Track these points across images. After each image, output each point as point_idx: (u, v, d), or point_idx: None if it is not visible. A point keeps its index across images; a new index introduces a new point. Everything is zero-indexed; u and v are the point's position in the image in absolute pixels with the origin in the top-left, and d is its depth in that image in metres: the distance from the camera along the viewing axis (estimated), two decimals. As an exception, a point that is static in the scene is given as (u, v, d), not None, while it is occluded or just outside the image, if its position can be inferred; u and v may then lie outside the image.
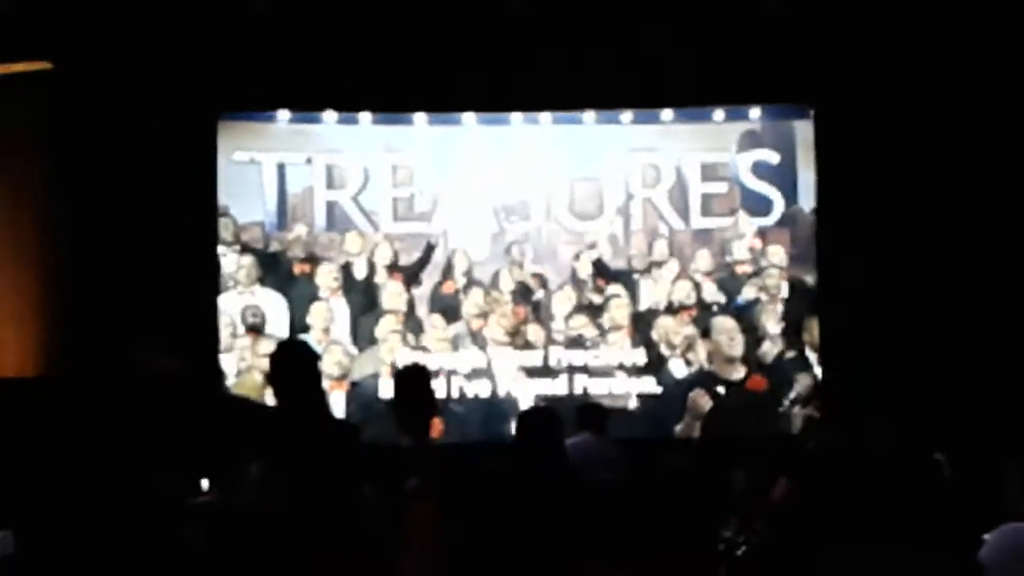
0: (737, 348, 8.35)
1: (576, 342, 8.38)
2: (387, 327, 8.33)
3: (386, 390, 8.02)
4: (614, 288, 8.45)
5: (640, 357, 8.34)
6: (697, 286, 8.45)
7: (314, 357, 4.02)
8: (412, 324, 8.39)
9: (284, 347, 4.11)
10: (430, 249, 8.45)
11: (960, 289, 7.88)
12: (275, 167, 8.35)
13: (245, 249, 8.25)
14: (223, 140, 8.21)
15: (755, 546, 3.72)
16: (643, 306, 8.45)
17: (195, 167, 7.98)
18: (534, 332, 8.41)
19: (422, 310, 8.39)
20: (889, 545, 2.83)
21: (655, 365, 8.35)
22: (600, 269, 8.47)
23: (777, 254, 8.48)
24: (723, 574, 3.52)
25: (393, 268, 8.44)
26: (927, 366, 7.60)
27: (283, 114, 8.35)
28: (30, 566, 2.03)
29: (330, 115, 8.40)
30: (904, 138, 8.05)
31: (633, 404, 8.31)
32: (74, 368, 6.53)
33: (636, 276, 8.48)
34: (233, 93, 8.03)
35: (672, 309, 8.42)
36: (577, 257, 8.50)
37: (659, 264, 8.49)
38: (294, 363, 3.91)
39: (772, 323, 8.40)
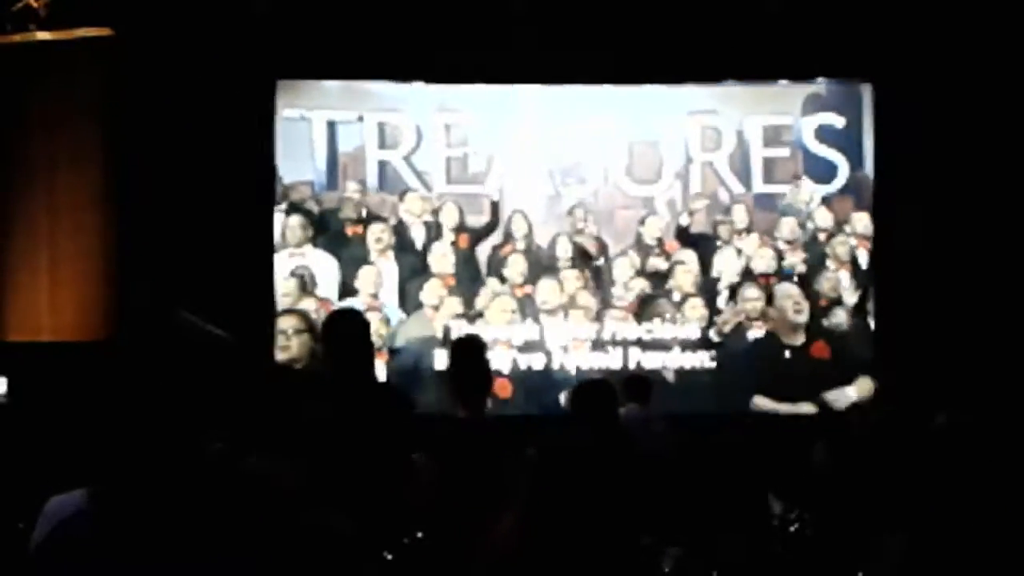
0: (803, 315, 8.24)
1: (635, 312, 8.29)
2: (433, 291, 8.22)
3: (432, 358, 8.04)
4: (681, 254, 8.35)
5: (695, 330, 8.24)
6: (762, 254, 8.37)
7: (365, 325, 4.10)
8: (463, 289, 8.27)
9: (337, 315, 4.19)
10: (495, 210, 8.36)
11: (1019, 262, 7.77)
12: (325, 124, 8.28)
13: (293, 208, 8.19)
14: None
15: (808, 523, 3.75)
16: (713, 273, 8.35)
17: (252, 131, 8.05)
18: (586, 299, 8.29)
19: (480, 274, 8.28)
20: (940, 524, 2.85)
21: (716, 334, 8.26)
22: (680, 234, 8.42)
23: (840, 221, 8.35)
24: (778, 550, 3.56)
25: (460, 230, 8.33)
26: (986, 336, 7.52)
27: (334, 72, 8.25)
28: (100, 522, 2.09)
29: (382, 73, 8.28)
30: (966, 108, 7.87)
31: (688, 376, 8.23)
32: (127, 331, 6.69)
33: (714, 242, 8.36)
34: (288, 60, 8.04)
35: (747, 276, 8.34)
36: (642, 222, 8.42)
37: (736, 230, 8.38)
38: (346, 331, 4.00)
39: (830, 290, 8.31)
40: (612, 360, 8.20)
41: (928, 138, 7.96)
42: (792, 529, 3.75)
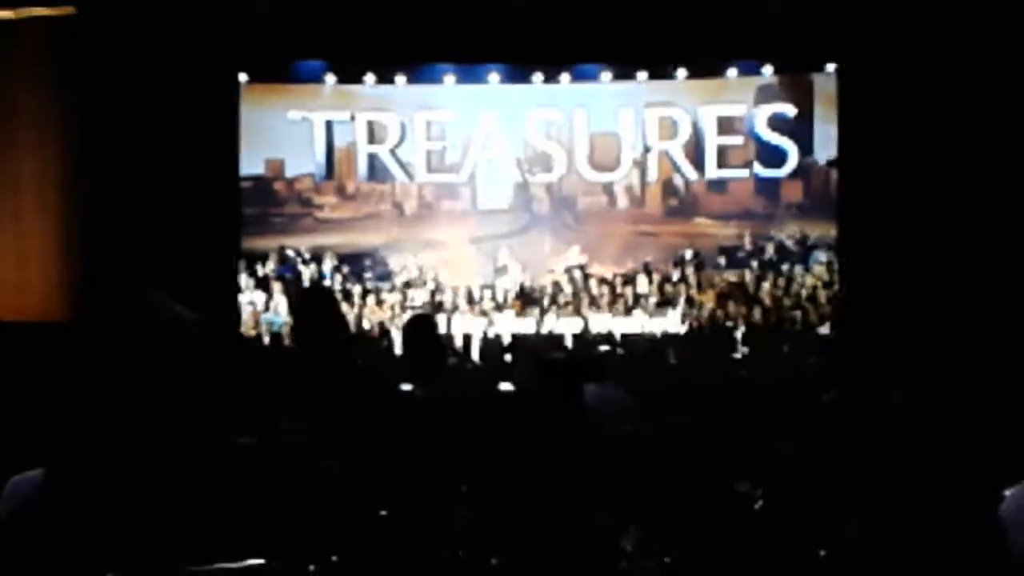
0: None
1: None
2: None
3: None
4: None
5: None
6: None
7: (334, 301, 3.62)
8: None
9: (306, 292, 3.72)
10: None
11: (985, 246, 7.15)
12: (323, 124, 8.03)
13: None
14: (278, 101, 7.83)
15: (771, 501, 3.23)
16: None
17: (216, 109, 7.37)
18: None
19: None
20: (907, 502, 2.35)
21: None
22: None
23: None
24: (740, 529, 3.04)
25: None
26: (948, 322, 6.93)
27: (328, 77, 7.92)
28: (57, 506, 1.78)
29: (370, 77, 7.92)
30: (927, 90, 7.20)
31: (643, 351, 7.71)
32: (93, 312, 6.03)
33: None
34: (253, 40, 7.31)
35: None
36: None
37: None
38: (313, 307, 3.51)
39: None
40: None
41: (888, 123, 7.33)
42: (756, 507, 3.24)
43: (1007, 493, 2.51)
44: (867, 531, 2.37)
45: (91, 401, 1.85)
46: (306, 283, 7.70)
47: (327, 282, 7.81)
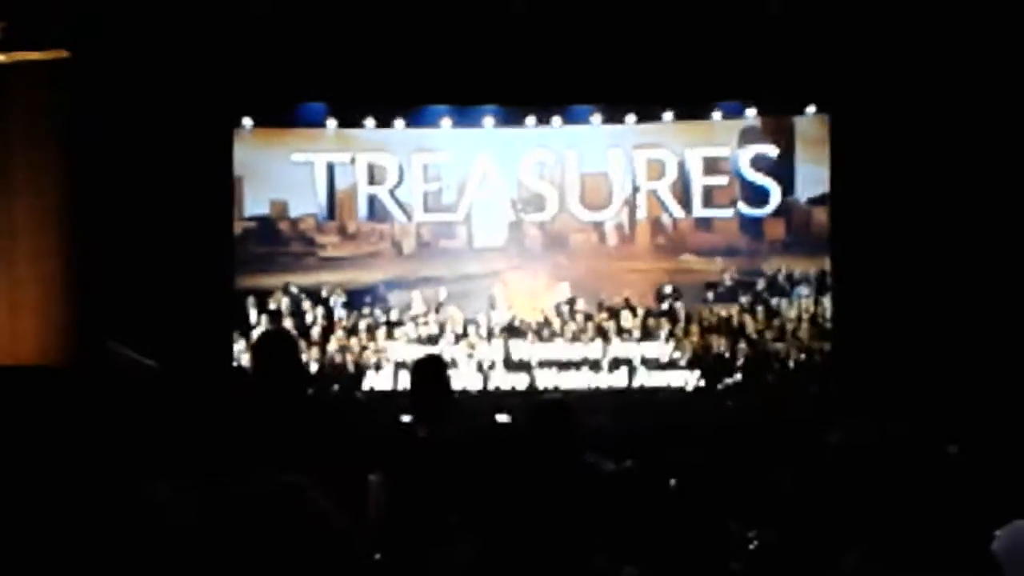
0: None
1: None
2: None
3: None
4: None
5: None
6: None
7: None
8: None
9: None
10: None
11: (970, 279, 6.90)
12: (325, 166, 7.90)
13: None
14: (282, 144, 7.72)
15: (769, 541, 3.06)
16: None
17: (211, 153, 7.22)
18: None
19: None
20: (900, 539, 2.19)
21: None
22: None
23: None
24: (735, 569, 2.86)
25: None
26: (938, 355, 6.71)
27: (330, 121, 7.81)
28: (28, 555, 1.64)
29: (370, 121, 7.82)
30: (913, 130, 7.09)
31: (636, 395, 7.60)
32: (79, 359, 5.78)
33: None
34: (251, 86, 7.17)
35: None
36: None
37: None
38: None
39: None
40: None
41: (877, 162, 7.21)
42: (751, 547, 3.06)
43: (997, 533, 2.36)
44: (861, 570, 2.22)
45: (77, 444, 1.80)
46: (312, 318, 7.60)
47: (339, 316, 7.62)
